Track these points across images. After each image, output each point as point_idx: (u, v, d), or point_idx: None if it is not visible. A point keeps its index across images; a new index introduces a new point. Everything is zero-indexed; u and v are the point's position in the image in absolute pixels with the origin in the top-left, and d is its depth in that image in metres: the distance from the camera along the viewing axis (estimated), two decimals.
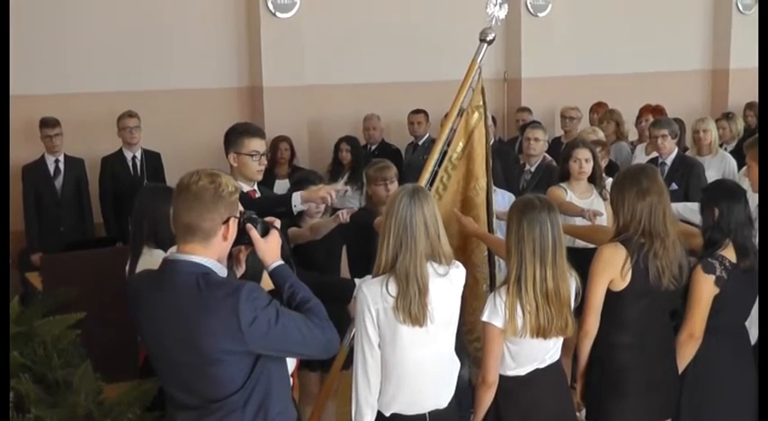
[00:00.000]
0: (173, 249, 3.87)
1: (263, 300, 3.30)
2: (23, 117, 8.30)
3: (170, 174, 8.55)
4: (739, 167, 7.98)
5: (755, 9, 12.95)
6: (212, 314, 3.24)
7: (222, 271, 3.43)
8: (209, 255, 3.37)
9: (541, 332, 4.20)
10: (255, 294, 3.29)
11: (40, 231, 8.35)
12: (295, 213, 5.12)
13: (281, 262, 3.58)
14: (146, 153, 8.83)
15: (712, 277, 4.63)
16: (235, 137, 5.20)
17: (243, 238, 3.54)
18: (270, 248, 3.56)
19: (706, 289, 4.65)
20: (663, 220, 4.53)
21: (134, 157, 8.75)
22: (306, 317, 3.40)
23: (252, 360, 3.36)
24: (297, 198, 5.03)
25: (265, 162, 5.31)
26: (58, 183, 8.47)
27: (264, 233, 3.57)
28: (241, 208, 3.57)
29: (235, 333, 3.23)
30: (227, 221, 3.38)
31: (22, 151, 8.35)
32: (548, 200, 4.34)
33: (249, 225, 3.52)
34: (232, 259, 3.71)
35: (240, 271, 3.75)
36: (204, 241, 3.35)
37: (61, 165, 8.49)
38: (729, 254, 4.69)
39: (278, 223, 3.68)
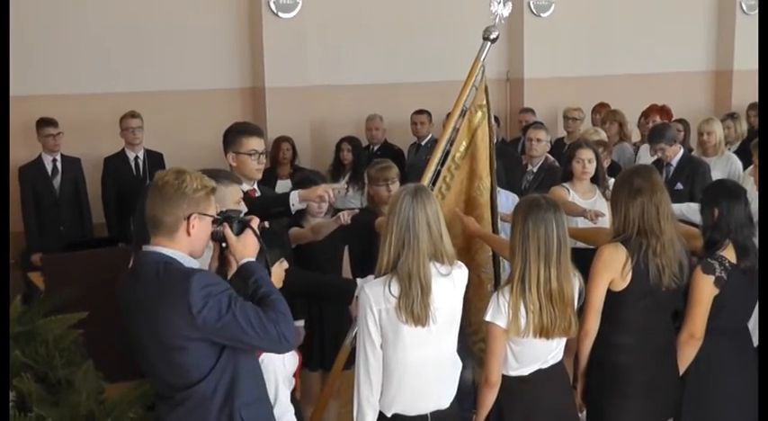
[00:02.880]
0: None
1: (217, 288, 3.35)
2: (23, 118, 8.29)
3: None
4: (744, 167, 7.97)
5: None
6: (166, 299, 3.32)
7: (192, 263, 3.50)
8: (177, 247, 3.47)
9: (544, 332, 4.19)
10: (208, 281, 3.36)
11: (40, 231, 8.33)
12: (293, 212, 5.12)
13: (251, 258, 3.62)
14: (148, 153, 8.83)
15: (712, 278, 4.63)
16: (233, 136, 5.21)
17: (218, 236, 3.62)
18: (242, 246, 3.62)
19: (706, 289, 4.64)
20: (656, 218, 4.52)
21: (136, 158, 8.75)
22: (262, 311, 3.42)
23: (216, 349, 3.42)
24: (295, 197, 5.04)
25: (264, 160, 5.32)
26: (56, 182, 8.45)
27: (240, 231, 3.63)
28: (224, 208, 3.69)
29: (186, 318, 3.29)
30: (189, 217, 3.45)
31: (20, 152, 8.34)
32: (553, 200, 4.33)
33: (224, 223, 3.60)
34: (224, 258, 3.74)
35: (231, 271, 3.75)
36: (168, 235, 3.46)
37: (59, 165, 8.47)
38: (729, 254, 4.69)
39: (255, 222, 3.71)
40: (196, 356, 3.40)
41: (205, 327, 3.30)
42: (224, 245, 3.67)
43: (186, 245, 3.48)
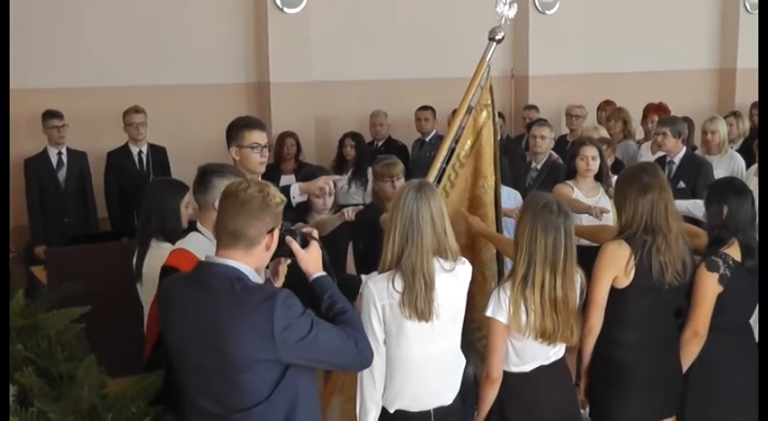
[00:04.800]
0: (185, 243, 3.87)
1: (298, 309, 3.33)
2: (29, 111, 8.32)
3: (176, 170, 8.55)
4: (747, 166, 7.97)
5: None
6: (246, 319, 3.26)
7: (258, 279, 3.45)
8: (248, 262, 3.41)
9: (547, 337, 4.20)
10: (291, 302, 3.32)
11: (44, 223, 8.34)
12: (294, 205, 5.12)
13: (323, 272, 3.64)
14: (152, 148, 8.82)
15: (716, 275, 4.64)
16: (235, 130, 5.22)
17: (282, 250, 3.57)
18: (311, 259, 3.63)
19: (710, 287, 4.65)
20: (665, 216, 4.53)
21: (140, 152, 8.75)
22: (341, 329, 3.43)
23: (280, 370, 3.36)
24: (295, 189, 5.04)
25: (267, 154, 5.31)
26: (61, 175, 8.45)
27: (304, 244, 3.62)
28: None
29: (267, 339, 3.24)
30: (271, 231, 3.42)
31: (26, 144, 8.39)
32: (565, 206, 4.27)
33: (289, 237, 3.57)
34: (269, 270, 3.73)
35: (278, 283, 3.75)
36: (247, 248, 3.39)
37: (64, 158, 8.48)
38: (734, 252, 4.69)
39: (316, 233, 3.71)
40: (259, 378, 3.34)
41: (284, 349, 3.27)
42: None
43: (257, 259, 3.44)
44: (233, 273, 3.35)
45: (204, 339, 3.34)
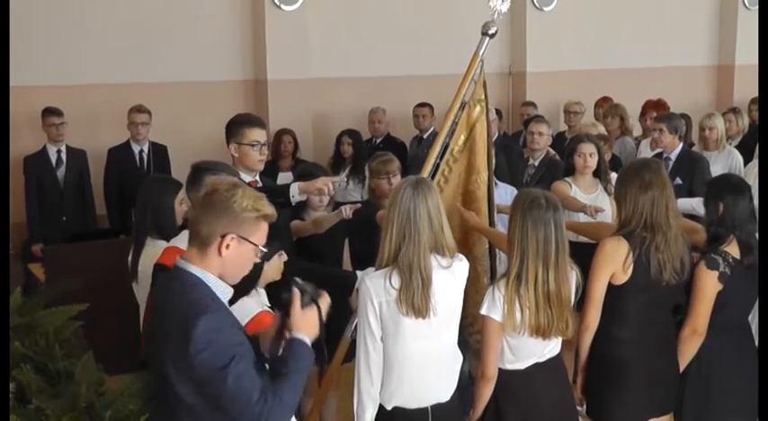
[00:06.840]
0: (179, 240, 3.85)
1: (222, 337, 3.05)
2: (27, 108, 8.31)
3: (175, 167, 8.55)
4: (745, 163, 7.97)
5: None
6: (175, 331, 3.08)
7: (220, 288, 3.24)
8: (210, 269, 3.20)
9: (541, 332, 4.19)
10: (218, 326, 3.06)
11: (42, 221, 8.33)
12: (293, 204, 5.12)
13: (307, 340, 3.31)
14: (153, 146, 8.82)
15: (716, 273, 4.63)
16: (235, 127, 5.22)
17: (278, 299, 3.43)
18: (305, 321, 3.35)
19: (709, 284, 4.64)
20: (665, 214, 4.52)
21: (141, 151, 8.74)
22: (263, 390, 3.05)
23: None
24: (295, 189, 5.05)
25: (266, 152, 5.33)
26: (60, 173, 8.44)
27: (307, 306, 3.38)
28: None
29: (185, 356, 3.02)
30: (225, 236, 3.17)
31: (25, 142, 8.39)
32: (553, 199, 4.28)
33: (296, 290, 3.37)
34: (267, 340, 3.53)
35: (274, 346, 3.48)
36: (200, 248, 3.20)
37: (63, 156, 8.46)
38: (733, 250, 4.69)
39: (324, 302, 3.48)
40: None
41: (201, 369, 3.01)
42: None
43: (216, 265, 3.19)
44: (188, 280, 3.17)
45: (158, 344, 3.22)
